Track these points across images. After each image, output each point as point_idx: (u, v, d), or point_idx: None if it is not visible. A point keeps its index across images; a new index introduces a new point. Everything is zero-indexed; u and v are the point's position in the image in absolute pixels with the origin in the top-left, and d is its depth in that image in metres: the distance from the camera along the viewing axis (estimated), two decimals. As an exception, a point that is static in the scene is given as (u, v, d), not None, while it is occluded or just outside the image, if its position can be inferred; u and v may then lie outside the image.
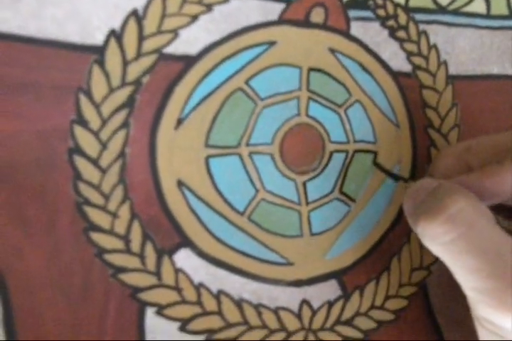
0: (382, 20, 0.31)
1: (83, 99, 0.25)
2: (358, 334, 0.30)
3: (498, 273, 0.22)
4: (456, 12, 0.33)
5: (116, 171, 0.26)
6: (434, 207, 0.24)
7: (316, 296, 0.29)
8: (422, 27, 0.32)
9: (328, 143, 0.30)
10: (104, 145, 0.25)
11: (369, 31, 0.30)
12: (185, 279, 0.27)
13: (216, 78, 0.27)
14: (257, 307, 0.28)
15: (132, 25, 0.26)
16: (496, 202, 0.27)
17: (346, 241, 0.30)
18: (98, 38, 0.25)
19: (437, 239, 0.24)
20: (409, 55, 0.32)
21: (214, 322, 0.27)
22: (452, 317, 0.31)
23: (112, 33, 0.25)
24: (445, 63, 0.33)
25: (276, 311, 0.28)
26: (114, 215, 0.26)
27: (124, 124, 0.26)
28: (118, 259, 0.26)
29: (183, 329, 0.26)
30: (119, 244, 0.26)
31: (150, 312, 0.26)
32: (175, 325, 0.26)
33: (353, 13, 0.30)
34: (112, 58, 0.25)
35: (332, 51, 0.30)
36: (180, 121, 0.27)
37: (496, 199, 0.26)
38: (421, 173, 0.32)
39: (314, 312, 0.29)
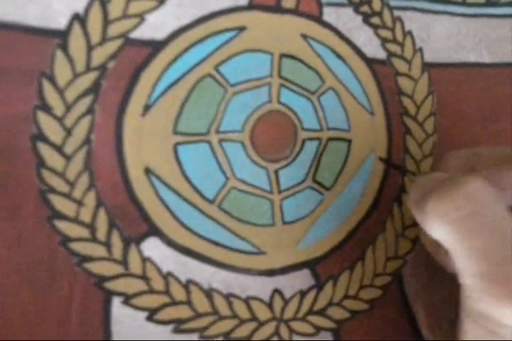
0: (356, 6, 0.30)
1: (46, 85, 0.25)
2: (330, 324, 0.29)
3: (509, 258, 0.21)
4: (432, -1, 0.32)
5: (81, 158, 0.25)
6: (449, 186, 0.23)
7: (289, 286, 0.29)
8: (396, 13, 0.31)
9: (301, 130, 0.29)
10: (68, 132, 0.25)
11: (342, 17, 0.30)
12: (152, 268, 0.26)
13: (184, 64, 0.27)
14: (227, 297, 0.28)
15: (96, 8, 0.25)
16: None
17: (320, 230, 0.30)
18: (60, 22, 0.25)
19: (448, 215, 0.22)
20: (384, 41, 0.31)
21: (183, 311, 0.27)
22: (428, 307, 0.30)
23: (75, 17, 0.25)
24: (420, 50, 0.32)
25: (246, 301, 0.28)
26: (80, 203, 0.25)
27: (89, 110, 0.25)
28: (83, 248, 0.25)
29: (150, 318, 0.26)
30: (84, 233, 0.25)
31: (116, 302, 0.26)
32: (142, 315, 0.26)
33: (325, -1, 0.30)
34: (76, 43, 0.25)
35: (304, 37, 0.29)
36: (147, 108, 0.26)
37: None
38: (396, 162, 0.32)
39: (286, 302, 0.29)
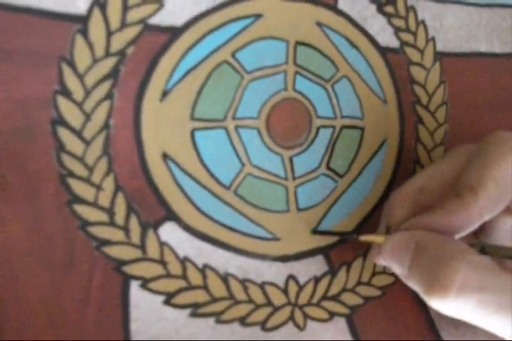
0: (370, -5, 0.31)
1: (66, 69, 0.25)
2: (344, 310, 0.30)
3: None
4: (444, -11, 0.33)
5: (100, 143, 0.25)
6: (436, 283, 0.23)
7: (303, 272, 0.29)
8: (410, 2, 0.32)
9: (315, 118, 0.30)
10: (87, 117, 0.25)
11: (356, 5, 0.30)
12: (170, 253, 0.26)
13: (202, 50, 0.27)
14: (243, 282, 0.28)
15: (116, -6, 0.25)
16: (463, 236, 0.26)
17: (334, 217, 0.30)
18: (80, 7, 0.25)
19: (459, 312, 0.23)
20: (397, 30, 0.31)
21: (199, 296, 0.27)
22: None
23: (96, 2, 0.25)
24: (433, 40, 0.32)
25: (262, 286, 0.28)
26: (98, 187, 0.25)
27: (108, 95, 0.25)
28: (102, 232, 0.25)
29: (167, 302, 0.26)
30: (103, 217, 0.25)
31: (134, 286, 0.26)
32: (159, 299, 0.26)
33: (340, -13, 0.30)
34: (96, 28, 0.25)
35: (319, 25, 0.30)
36: (165, 93, 0.26)
37: (462, 233, 0.26)
38: (408, 152, 0.32)
39: (301, 288, 0.29)
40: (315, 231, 0.29)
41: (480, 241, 0.28)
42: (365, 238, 0.28)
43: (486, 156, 0.26)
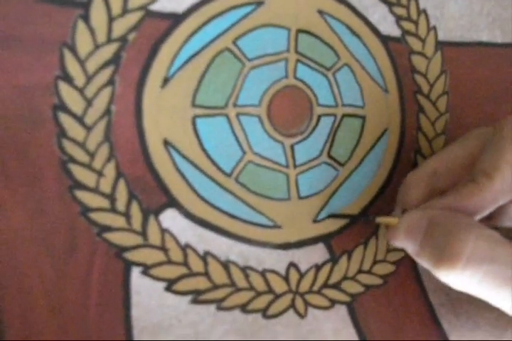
0: (372, -17, 0.31)
1: (68, 55, 0.25)
2: (345, 298, 0.30)
3: None
4: (445, -22, 0.33)
5: (101, 129, 0.25)
6: (446, 253, 0.23)
7: (304, 259, 0.29)
8: (411, -9, 0.32)
9: (316, 106, 0.30)
10: (89, 103, 0.25)
11: (358, -6, 0.30)
12: (171, 239, 0.26)
13: (203, 37, 0.27)
14: (244, 269, 0.28)
15: (118, -20, 0.25)
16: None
17: (335, 206, 0.30)
18: (82, -8, 0.25)
19: (466, 284, 0.23)
20: (399, 19, 0.31)
21: (200, 283, 0.27)
22: (439, 281, 0.31)
23: (97, -12, 0.25)
24: (434, 29, 0.32)
25: (263, 273, 0.28)
26: (100, 173, 0.25)
27: (110, 81, 0.25)
28: (103, 218, 0.25)
29: (169, 289, 0.26)
30: (104, 203, 0.25)
31: (136, 272, 0.26)
32: (161, 285, 0.26)
33: (342, -24, 0.30)
34: (97, 14, 0.25)
35: (321, 13, 0.30)
36: (166, 80, 0.26)
37: (476, 217, 0.26)
38: (409, 141, 0.32)
39: (302, 275, 0.29)
40: (330, 215, 0.29)
41: (493, 225, 0.28)
42: (381, 220, 0.28)
43: (500, 141, 0.26)
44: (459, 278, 0.23)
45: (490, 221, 0.29)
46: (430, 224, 0.25)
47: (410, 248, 0.26)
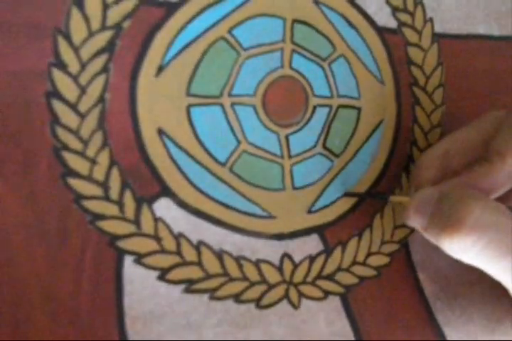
0: (368, -26, 0.30)
1: (62, 42, 0.25)
2: (339, 289, 0.30)
3: None
4: (442, -30, 0.33)
5: (95, 117, 0.25)
6: (452, 218, 0.23)
7: (298, 250, 0.29)
8: (408, -18, 0.32)
9: (312, 96, 0.29)
10: (83, 90, 0.25)
11: (354, -16, 0.30)
12: (164, 228, 0.26)
13: (198, 26, 0.27)
14: (238, 259, 0.28)
15: (112, -33, 0.25)
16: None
17: (329, 197, 0.30)
18: (77, -21, 0.25)
19: (469, 251, 0.23)
20: (395, 10, 0.31)
21: (193, 272, 0.27)
22: (434, 273, 0.31)
23: (92, -25, 0.25)
24: (431, 20, 0.32)
25: (257, 263, 0.28)
26: (93, 161, 0.25)
27: (104, 69, 0.25)
28: (96, 206, 0.25)
29: (161, 278, 0.26)
30: (97, 191, 0.25)
31: (128, 261, 0.26)
32: (153, 274, 0.26)
33: (338, -34, 0.30)
34: (92, 1, 0.25)
35: (317, 3, 0.29)
36: (161, 69, 0.26)
37: (490, 197, 0.26)
38: (405, 133, 0.32)
39: (296, 266, 0.29)
40: (346, 193, 0.30)
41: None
42: (395, 199, 0.28)
43: None
44: (462, 243, 0.23)
45: (504, 202, 0.29)
46: (440, 196, 0.25)
47: (420, 222, 0.25)
